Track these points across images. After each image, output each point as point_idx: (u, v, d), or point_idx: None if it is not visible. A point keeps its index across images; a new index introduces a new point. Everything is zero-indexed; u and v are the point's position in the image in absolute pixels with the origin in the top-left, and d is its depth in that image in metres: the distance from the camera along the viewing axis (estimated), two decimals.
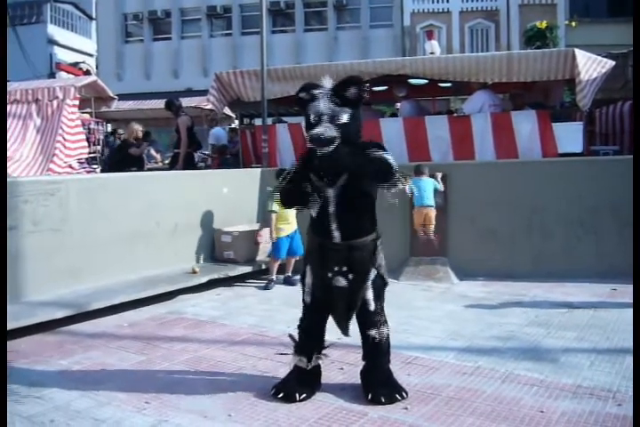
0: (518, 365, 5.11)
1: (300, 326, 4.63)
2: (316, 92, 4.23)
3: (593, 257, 8.41)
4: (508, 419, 4.04)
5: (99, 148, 14.90)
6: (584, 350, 5.49)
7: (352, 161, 4.11)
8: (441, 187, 8.71)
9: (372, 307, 4.45)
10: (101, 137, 15.98)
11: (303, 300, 4.58)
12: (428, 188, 8.59)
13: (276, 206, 8.12)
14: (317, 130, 4.10)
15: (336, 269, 4.30)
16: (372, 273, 4.41)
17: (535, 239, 8.65)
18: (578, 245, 8.52)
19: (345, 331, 4.50)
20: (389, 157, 4.14)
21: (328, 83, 4.25)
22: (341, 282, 4.30)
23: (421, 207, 8.61)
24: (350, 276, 4.31)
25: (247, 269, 8.71)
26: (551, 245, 8.59)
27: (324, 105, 4.17)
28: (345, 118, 4.17)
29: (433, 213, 8.67)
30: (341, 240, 4.28)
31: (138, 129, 12.92)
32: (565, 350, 5.50)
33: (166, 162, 15.95)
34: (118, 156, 13.33)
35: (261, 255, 9.04)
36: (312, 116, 4.18)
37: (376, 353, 4.52)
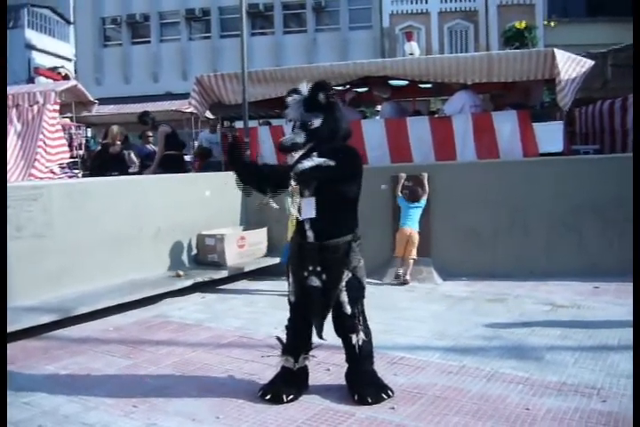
0: (503, 363, 5.15)
1: (286, 327, 4.64)
2: (288, 99, 4.31)
3: (575, 256, 8.46)
4: (494, 417, 4.07)
5: (80, 152, 14.85)
6: (568, 347, 5.53)
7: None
8: (424, 203, 8.65)
9: (349, 310, 4.43)
10: (83, 141, 15.96)
11: (288, 299, 4.60)
12: (417, 213, 8.59)
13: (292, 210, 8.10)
14: (285, 137, 4.28)
15: (310, 268, 4.35)
16: (346, 275, 4.40)
17: (518, 239, 8.69)
18: (560, 244, 8.56)
19: (319, 332, 4.49)
20: (309, 164, 4.15)
21: (304, 88, 4.29)
22: (315, 282, 4.35)
23: (404, 228, 8.57)
24: (324, 276, 4.35)
25: (232, 272, 8.70)
26: (534, 245, 8.64)
27: (293, 112, 4.29)
28: (317, 123, 4.26)
29: (416, 234, 8.58)
30: (315, 240, 4.33)
31: (119, 132, 12.89)
32: (550, 348, 5.53)
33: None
34: (99, 160, 13.29)
35: (245, 258, 9.03)
36: (290, 123, 4.28)
37: (357, 357, 4.52)
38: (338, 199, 4.35)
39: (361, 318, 4.52)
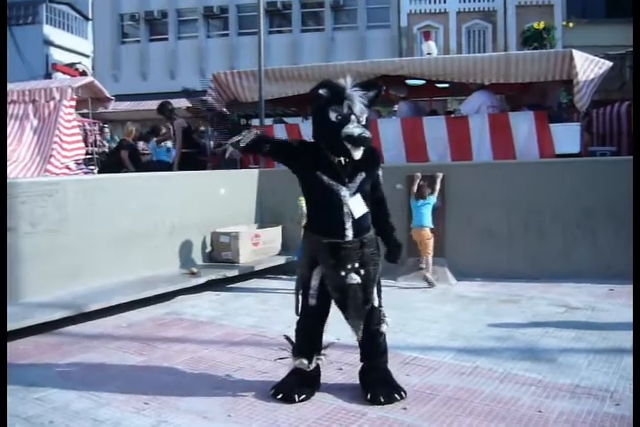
0: (516, 365, 5.12)
1: (298, 329, 4.61)
2: (346, 90, 4.19)
3: (590, 258, 8.42)
4: (507, 419, 4.05)
5: (96, 149, 14.86)
6: (582, 350, 5.49)
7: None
8: (434, 200, 8.54)
9: (377, 302, 4.47)
10: (98, 138, 15.95)
11: (306, 302, 4.52)
12: (426, 210, 8.51)
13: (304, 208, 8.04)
14: (358, 130, 4.12)
15: (349, 266, 4.27)
16: (380, 268, 4.46)
17: (532, 240, 8.66)
18: (575, 246, 8.53)
19: (359, 331, 4.44)
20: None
21: (348, 82, 4.22)
22: (355, 279, 4.28)
23: (417, 228, 8.48)
24: (362, 271, 4.30)
25: (245, 269, 8.71)
26: (548, 246, 8.60)
27: (358, 105, 4.17)
28: (364, 119, 4.21)
29: (427, 233, 8.47)
30: (354, 237, 4.28)
31: (134, 129, 12.89)
32: (563, 350, 5.50)
33: None
34: (115, 157, 13.30)
35: (259, 256, 9.03)
36: (335, 115, 4.15)
37: (375, 352, 4.52)
38: (370, 194, 4.42)
39: (383, 309, 4.57)
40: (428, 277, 8.37)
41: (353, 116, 4.14)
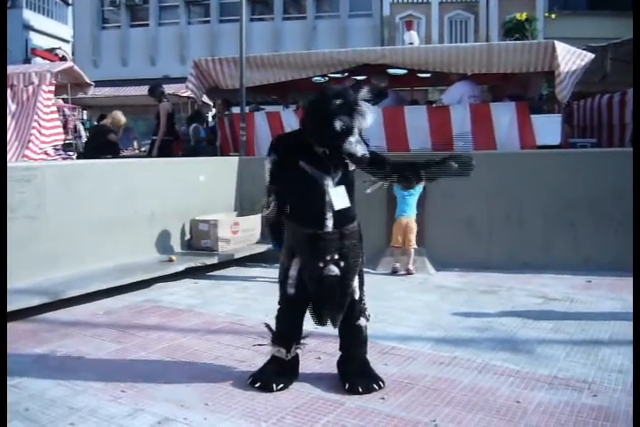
0: (494, 355, 5.13)
1: (278, 317, 4.58)
2: (360, 105, 4.11)
3: (569, 249, 8.45)
4: (485, 409, 4.05)
5: (75, 135, 14.76)
6: (560, 341, 5.51)
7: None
8: (421, 189, 8.52)
9: (358, 295, 4.45)
10: (79, 123, 15.84)
11: (285, 292, 4.50)
12: (412, 200, 8.50)
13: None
14: (361, 149, 4.14)
15: (328, 258, 4.26)
16: (362, 260, 4.44)
17: (513, 231, 8.67)
18: (554, 238, 8.54)
19: (334, 323, 4.43)
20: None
21: (364, 94, 4.15)
22: (334, 271, 4.26)
23: (402, 217, 8.52)
24: (342, 264, 4.28)
25: (224, 257, 8.67)
26: (528, 237, 8.61)
27: (368, 121, 4.15)
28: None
29: (413, 223, 8.53)
30: (334, 228, 4.26)
31: (122, 118, 12.81)
32: (541, 341, 5.52)
33: (143, 149, 15.83)
34: (95, 142, 13.19)
35: (239, 244, 9.00)
36: (340, 124, 4.02)
37: (355, 344, 4.51)
38: (353, 185, 4.40)
39: (364, 302, 4.55)
40: (397, 268, 8.57)
41: (356, 129, 4.12)
